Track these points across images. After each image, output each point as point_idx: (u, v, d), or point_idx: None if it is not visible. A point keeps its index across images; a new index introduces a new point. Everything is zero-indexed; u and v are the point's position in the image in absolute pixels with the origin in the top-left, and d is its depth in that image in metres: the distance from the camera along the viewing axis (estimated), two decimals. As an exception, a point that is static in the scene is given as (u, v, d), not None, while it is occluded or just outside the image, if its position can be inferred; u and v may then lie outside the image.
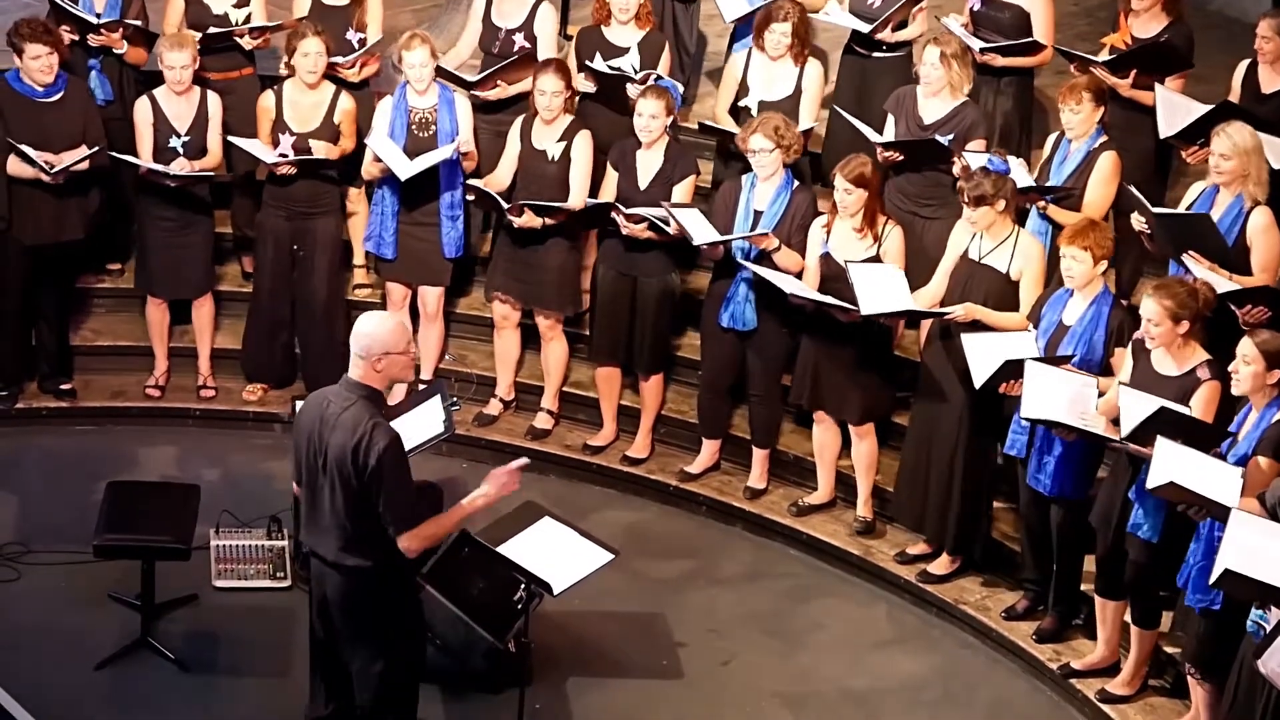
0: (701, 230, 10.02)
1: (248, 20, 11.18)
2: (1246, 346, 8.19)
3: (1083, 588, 9.39)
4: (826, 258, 9.86)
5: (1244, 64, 10.39)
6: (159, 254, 10.91)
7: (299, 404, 9.37)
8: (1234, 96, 10.30)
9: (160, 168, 10.57)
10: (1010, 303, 9.45)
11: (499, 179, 10.70)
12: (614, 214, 10.33)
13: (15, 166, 10.46)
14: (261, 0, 11.31)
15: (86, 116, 10.62)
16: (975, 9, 10.99)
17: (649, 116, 10.28)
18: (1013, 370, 8.99)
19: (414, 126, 10.67)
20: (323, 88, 10.77)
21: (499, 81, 10.94)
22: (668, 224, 10.23)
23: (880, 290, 9.52)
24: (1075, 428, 8.73)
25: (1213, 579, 7.65)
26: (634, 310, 10.58)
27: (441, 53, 10.99)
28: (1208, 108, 9.93)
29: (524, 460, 7.93)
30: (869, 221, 9.77)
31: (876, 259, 9.73)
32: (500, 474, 7.80)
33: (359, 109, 10.92)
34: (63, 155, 10.44)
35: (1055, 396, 8.77)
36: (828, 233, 9.88)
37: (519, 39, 11.11)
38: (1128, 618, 9.09)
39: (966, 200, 9.40)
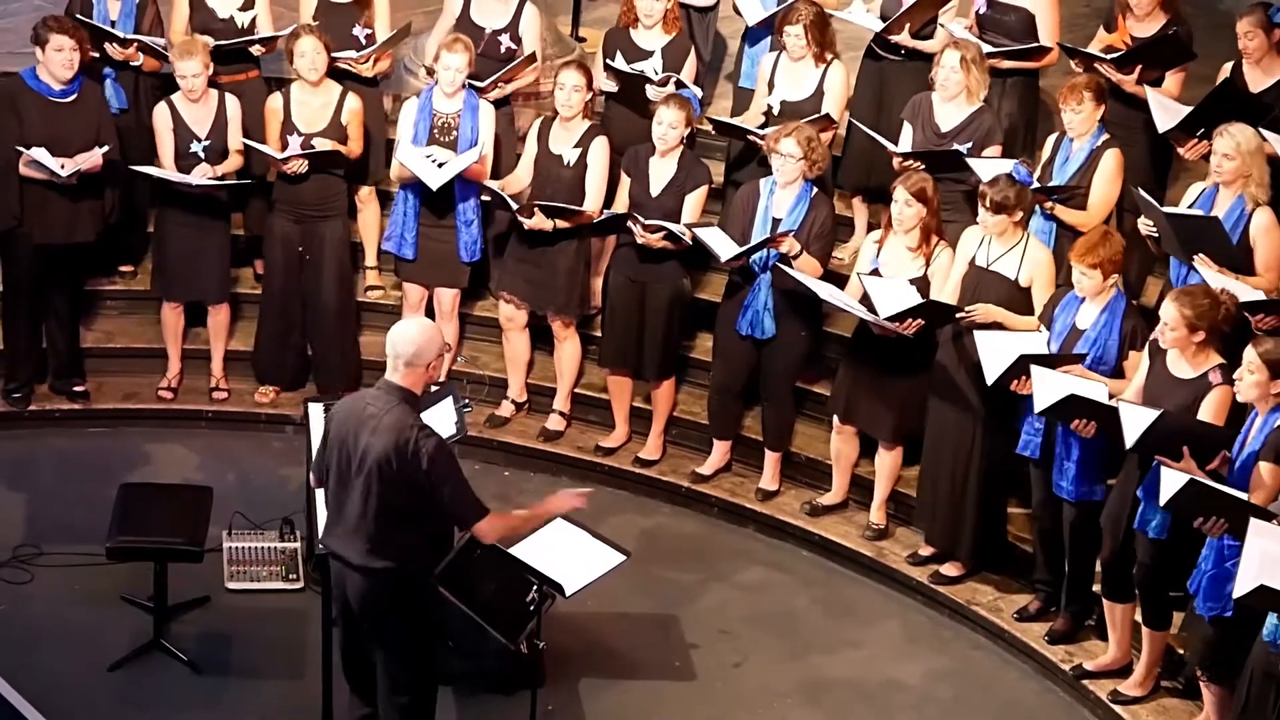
0: (726, 246, 10.01)
1: (253, 23, 11.18)
2: (1250, 355, 8.18)
3: (1095, 588, 9.38)
4: (875, 274, 9.77)
5: (1228, 65, 10.39)
6: (176, 258, 10.92)
7: (312, 405, 9.43)
8: None
9: (182, 178, 10.57)
10: (1019, 310, 9.43)
11: (519, 179, 10.71)
12: (631, 224, 10.33)
13: (28, 167, 10.48)
14: (266, 3, 11.32)
15: (100, 119, 10.63)
16: (981, 12, 10.97)
17: (668, 126, 10.27)
18: (1025, 367, 8.97)
19: (436, 130, 10.66)
20: (329, 88, 10.77)
21: (499, 83, 10.96)
22: (684, 236, 10.22)
23: (894, 297, 9.51)
24: (1090, 400, 8.69)
25: (1239, 593, 7.61)
26: (644, 316, 10.58)
27: (414, 57, 10.97)
28: (1190, 109, 9.97)
29: (591, 490, 8.38)
30: (924, 239, 9.69)
31: (924, 279, 9.67)
32: (569, 495, 8.13)
33: (366, 108, 10.93)
34: (77, 157, 10.45)
35: (1063, 387, 8.76)
36: (879, 248, 9.84)
37: (505, 40, 11.13)
38: (1139, 618, 9.10)
39: (988, 204, 9.37)
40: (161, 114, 10.71)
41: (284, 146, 10.71)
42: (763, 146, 10.28)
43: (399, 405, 7.65)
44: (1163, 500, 8.09)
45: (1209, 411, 8.46)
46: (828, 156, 10.16)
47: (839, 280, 10.22)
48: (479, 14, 11.17)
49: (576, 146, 10.54)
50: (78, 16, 10.89)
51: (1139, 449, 8.30)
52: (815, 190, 10.09)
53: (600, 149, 10.52)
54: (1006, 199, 9.36)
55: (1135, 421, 8.29)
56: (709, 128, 11.07)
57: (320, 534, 7.99)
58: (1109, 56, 10.41)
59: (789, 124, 10.13)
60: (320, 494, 8.17)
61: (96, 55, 10.89)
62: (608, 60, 10.98)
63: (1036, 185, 9.85)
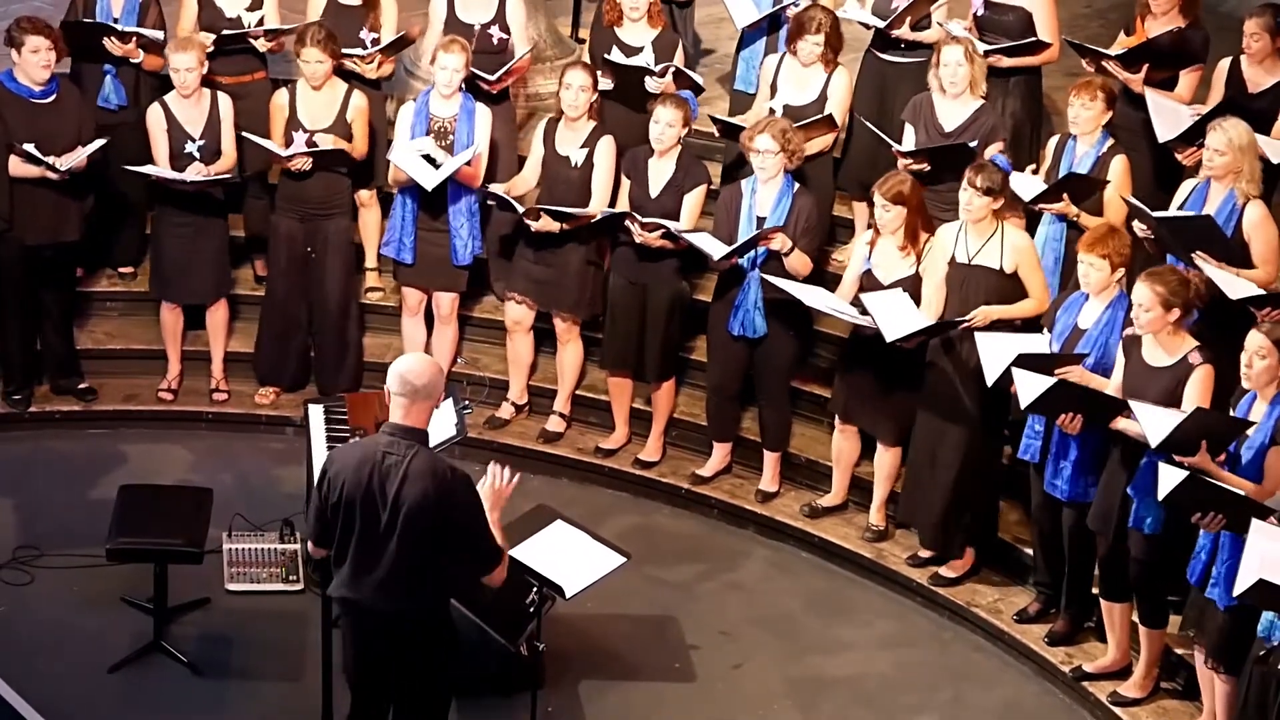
0: (717, 247, 10.02)
1: (260, 23, 11.19)
2: (1258, 341, 8.18)
3: (1095, 590, 9.38)
4: (868, 275, 9.82)
5: (1225, 62, 10.40)
6: (174, 259, 10.92)
7: (312, 407, 9.43)
8: (1217, 96, 10.31)
9: (174, 175, 10.57)
10: (1011, 297, 9.45)
11: (525, 181, 10.71)
12: (629, 223, 10.33)
13: (17, 167, 10.47)
14: (274, 2, 11.33)
15: (81, 118, 10.63)
16: (979, 13, 10.97)
17: (665, 124, 10.27)
18: (1025, 366, 8.95)
19: (433, 134, 10.66)
20: (335, 85, 10.77)
21: (504, 77, 10.99)
22: (683, 235, 10.23)
23: (896, 314, 9.51)
24: (1076, 387, 8.70)
25: (1239, 590, 7.62)
26: (645, 318, 10.58)
27: (415, 59, 10.96)
28: (1201, 110, 9.96)
29: (496, 471, 7.65)
30: (911, 238, 9.71)
31: (917, 276, 9.71)
32: (493, 489, 7.59)
33: (370, 108, 10.93)
34: (71, 154, 10.43)
35: (1047, 379, 8.77)
36: (871, 249, 9.85)
37: (495, 31, 11.14)
38: (1136, 618, 9.10)
39: (978, 188, 9.37)
40: (155, 115, 10.70)
41: (289, 143, 10.71)
42: (740, 146, 10.30)
43: (419, 448, 7.41)
44: (1161, 495, 8.09)
45: (1195, 392, 8.48)
46: (804, 148, 10.16)
47: (836, 281, 10.22)
48: (464, 11, 11.18)
49: (583, 147, 10.54)
50: (81, 20, 10.90)
51: (1166, 448, 8.28)
52: (797, 185, 10.10)
53: (606, 149, 10.52)
54: (995, 183, 9.37)
55: (1158, 423, 8.29)
56: (710, 128, 11.07)
57: (335, 586, 7.67)
58: (1116, 54, 10.41)
59: (761, 120, 10.16)
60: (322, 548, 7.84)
61: (70, 53, 10.85)
62: (605, 55, 10.97)
63: (1059, 178, 9.83)
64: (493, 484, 7.58)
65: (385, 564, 7.47)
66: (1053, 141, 10.18)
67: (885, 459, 10.16)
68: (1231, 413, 8.36)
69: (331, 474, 7.53)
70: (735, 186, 10.24)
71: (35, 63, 10.41)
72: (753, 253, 10.05)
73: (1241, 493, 8.00)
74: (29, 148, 10.35)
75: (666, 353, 10.68)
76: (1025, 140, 10.92)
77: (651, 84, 10.80)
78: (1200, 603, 8.51)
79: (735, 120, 10.79)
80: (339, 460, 7.56)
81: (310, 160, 10.64)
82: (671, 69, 10.80)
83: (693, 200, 10.39)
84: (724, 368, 10.47)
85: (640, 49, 11.02)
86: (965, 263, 9.52)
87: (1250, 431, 8.24)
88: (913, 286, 9.68)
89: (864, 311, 9.60)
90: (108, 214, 11.23)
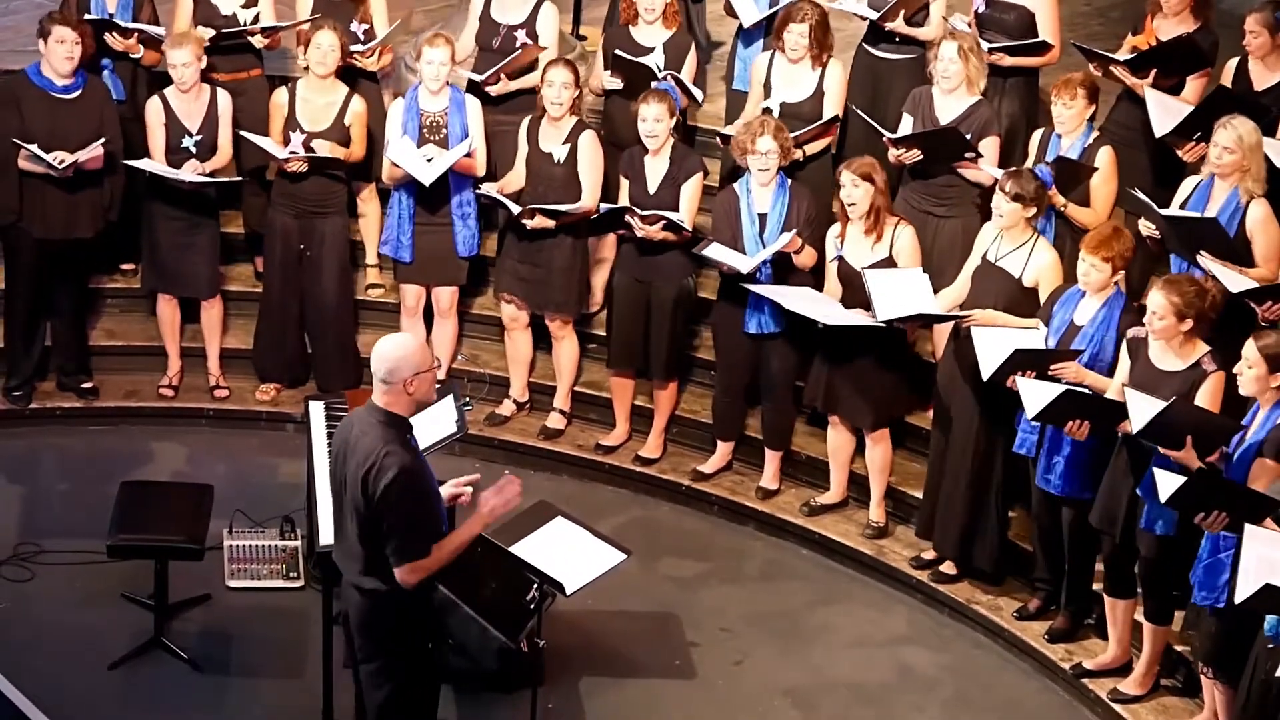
0: (741, 259, 10.01)
1: (256, 20, 11.19)
2: (1250, 350, 8.19)
3: (1095, 587, 9.39)
4: (841, 261, 9.87)
5: (1233, 62, 10.41)
6: (166, 253, 10.92)
7: (312, 404, 9.45)
8: None
9: (174, 174, 10.57)
10: (1021, 308, 9.43)
11: (520, 178, 10.72)
12: (629, 217, 10.34)
13: (25, 161, 10.49)
14: (270, 0, 11.34)
15: (104, 117, 10.62)
16: (980, 10, 10.96)
17: (653, 121, 10.27)
18: (1021, 362, 8.96)
19: (425, 129, 10.67)
20: (336, 88, 10.78)
21: (501, 75, 10.97)
22: (683, 224, 10.24)
23: (898, 294, 9.51)
24: (1083, 395, 8.70)
25: (1240, 597, 7.60)
26: (649, 315, 10.58)
27: (415, 55, 10.97)
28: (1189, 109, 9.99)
29: (511, 479, 7.80)
30: (876, 220, 9.77)
31: (890, 260, 9.73)
32: (489, 496, 7.70)
33: (369, 107, 10.92)
34: (76, 153, 10.45)
35: (1054, 388, 8.77)
36: (841, 240, 9.89)
37: (521, 35, 11.14)
38: (1139, 616, 9.10)
39: (1006, 192, 9.36)
40: (154, 108, 10.70)
41: (286, 143, 10.71)
42: (733, 150, 10.29)
43: (376, 427, 7.49)
44: (1163, 497, 8.09)
45: (1206, 398, 8.47)
46: (793, 142, 10.18)
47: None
48: (498, 11, 11.19)
49: (565, 143, 10.53)
50: (86, 17, 10.90)
51: (1145, 435, 8.28)
52: (789, 180, 10.12)
53: (588, 143, 10.52)
54: (1023, 191, 9.36)
55: (1143, 408, 8.29)
56: (704, 125, 11.04)
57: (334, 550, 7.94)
58: (1124, 58, 10.40)
59: (754, 121, 10.15)
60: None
61: (94, 50, 10.90)
62: (616, 52, 10.97)
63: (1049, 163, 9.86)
64: (494, 493, 7.67)
65: (349, 535, 7.64)
66: (1037, 135, 10.18)
67: (875, 452, 10.16)
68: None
69: (334, 442, 7.79)
70: (730, 191, 10.24)
71: (60, 54, 10.42)
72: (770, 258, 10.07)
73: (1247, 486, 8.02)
74: (33, 146, 10.35)
75: (673, 351, 10.68)
76: (1020, 138, 10.90)
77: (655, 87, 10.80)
78: (1196, 606, 8.52)
79: (732, 130, 10.78)
80: (340, 425, 7.83)
81: (306, 163, 10.65)
82: (668, 75, 10.79)
83: (690, 190, 10.38)
84: (734, 369, 10.46)
85: (652, 49, 11.01)
86: (991, 261, 9.51)
87: (1250, 433, 8.23)
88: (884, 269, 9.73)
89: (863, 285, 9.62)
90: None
